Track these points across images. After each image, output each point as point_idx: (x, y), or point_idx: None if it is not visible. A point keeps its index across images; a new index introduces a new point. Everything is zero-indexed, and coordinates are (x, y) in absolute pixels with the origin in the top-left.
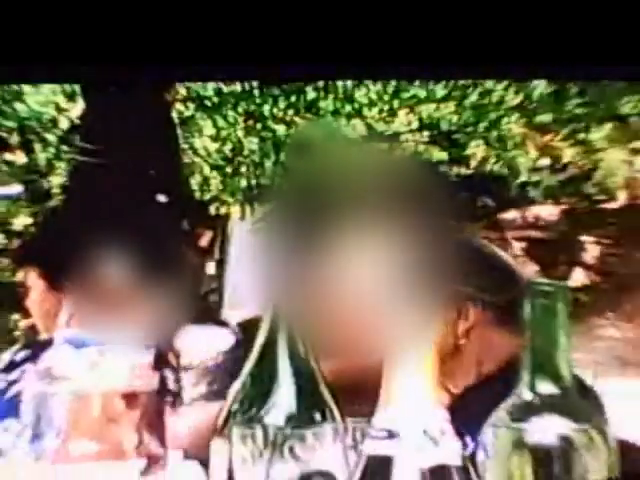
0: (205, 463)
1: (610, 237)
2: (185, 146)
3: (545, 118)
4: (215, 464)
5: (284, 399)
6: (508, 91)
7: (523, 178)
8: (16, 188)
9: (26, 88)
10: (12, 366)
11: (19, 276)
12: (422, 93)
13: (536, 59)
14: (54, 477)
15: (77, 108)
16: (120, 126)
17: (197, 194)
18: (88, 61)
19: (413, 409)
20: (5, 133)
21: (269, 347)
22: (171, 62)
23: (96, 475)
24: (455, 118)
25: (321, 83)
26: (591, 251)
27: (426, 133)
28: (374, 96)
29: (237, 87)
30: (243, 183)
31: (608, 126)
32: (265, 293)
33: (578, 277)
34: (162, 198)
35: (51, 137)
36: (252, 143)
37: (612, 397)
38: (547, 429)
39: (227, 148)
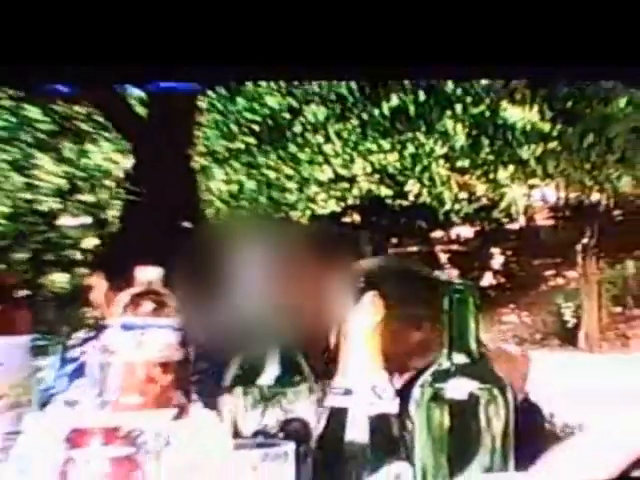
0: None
1: (512, 249)
2: (203, 187)
3: (464, 163)
4: (223, 412)
5: (272, 367)
6: (437, 143)
7: (447, 207)
8: (86, 219)
9: (90, 147)
10: (83, 342)
11: (89, 280)
12: (374, 146)
13: (526, 60)
14: (114, 421)
15: (129, 162)
16: (158, 174)
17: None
18: (90, 63)
19: (363, 373)
20: (79, 181)
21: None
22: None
23: (141, 420)
24: (398, 164)
25: (300, 140)
26: (497, 259)
27: (376, 176)
28: (339, 149)
29: (241, 145)
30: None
31: (511, 168)
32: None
33: (488, 279)
34: (187, 224)
35: (109, 182)
36: (251, 184)
37: None
38: (460, 388)
39: (234, 188)
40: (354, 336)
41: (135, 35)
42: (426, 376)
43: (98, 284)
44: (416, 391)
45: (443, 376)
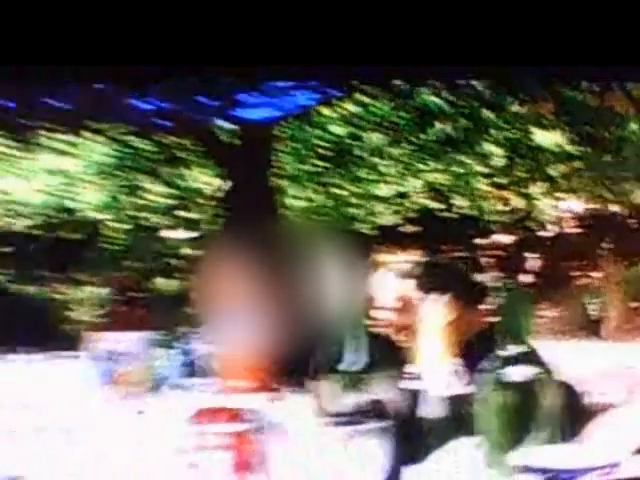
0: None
1: (543, 253)
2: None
3: (501, 180)
4: (311, 395)
5: (354, 356)
6: (478, 164)
7: (487, 218)
8: (185, 232)
9: (187, 171)
10: (192, 336)
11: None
12: (424, 167)
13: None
14: (225, 403)
15: (219, 183)
16: (244, 193)
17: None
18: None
19: (434, 360)
20: (178, 200)
21: (340, 329)
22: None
23: (247, 401)
24: (445, 182)
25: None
26: (531, 262)
27: (427, 192)
28: (395, 169)
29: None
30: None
31: (541, 184)
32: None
33: (523, 279)
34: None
35: (203, 201)
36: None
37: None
38: (518, 373)
39: (306, 204)
40: (429, 330)
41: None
42: (490, 363)
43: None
44: (482, 376)
45: (504, 362)
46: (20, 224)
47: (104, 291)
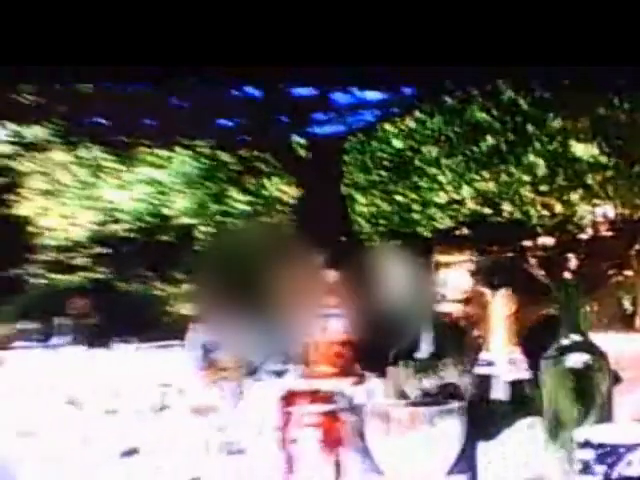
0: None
1: (583, 254)
2: (350, 210)
3: (544, 188)
4: (390, 380)
5: (426, 344)
6: (523, 173)
7: (533, 222)
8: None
9: (266, 181)
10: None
11: None
12: (476, 176)
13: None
14: (314, 386)
15: (295, 192)
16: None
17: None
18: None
19: (502, 348)
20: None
21: (414, 320)
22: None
23: (333, 385)
24: (495, 190)
25: (420, 172)
26: (572, 262)
27: (479, 199)
28: (450, 178)
29: (376, 177)
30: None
31: (580, 191)
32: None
33: (566, 276)
34: (343, 238)
35: (281, 207)
36: (386, 207)
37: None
38: (576, 359)
39: (373, 210)
40: (495, 321)
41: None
42: (551, 350)
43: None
44: (543, 362)
45: (563, 350)
46: (121, 229)
47: (199, 287)
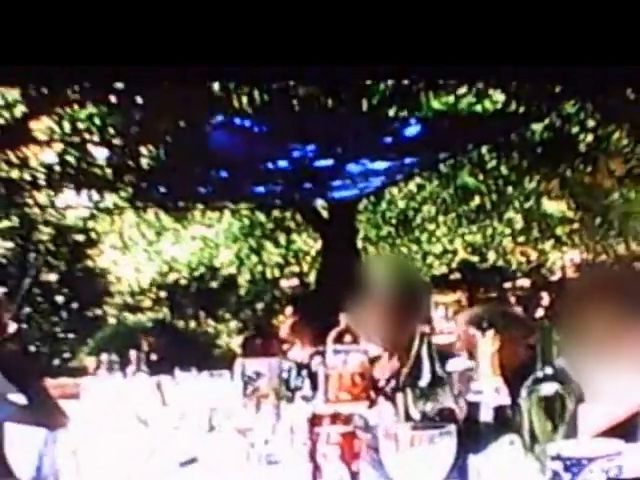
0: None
1: (554, 293)
2: (363, 259)
3: (522, 239)
4: (398, 404)
5: (425, 376)
6: (505, 227)
7: (513, 267)
8: (295, 281)
9: (295, 236)
10: (309, 361)
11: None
12: (466, 230)
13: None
14: (335, 409)
15: (318, 245)
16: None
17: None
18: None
19: (488, 380)
20: (289, 257)
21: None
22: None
23: (351, 408)
24: (481, 241)
25: (421, 228)
26: (545, 300)
27: (469, 249)
28: (445, 232)
29: (385, 232)
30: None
31: (551, 241)
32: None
33: (540, 312)
34: (357, 283)
35: (309, 259)
36: (393, 257)
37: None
38: (549, 388)
39: (382, 260)
40: (482, 357)
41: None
42: (528, 381)
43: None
44: (523, 390)
45: (539, 380)
46: (179, 277)
47: (240, 326)
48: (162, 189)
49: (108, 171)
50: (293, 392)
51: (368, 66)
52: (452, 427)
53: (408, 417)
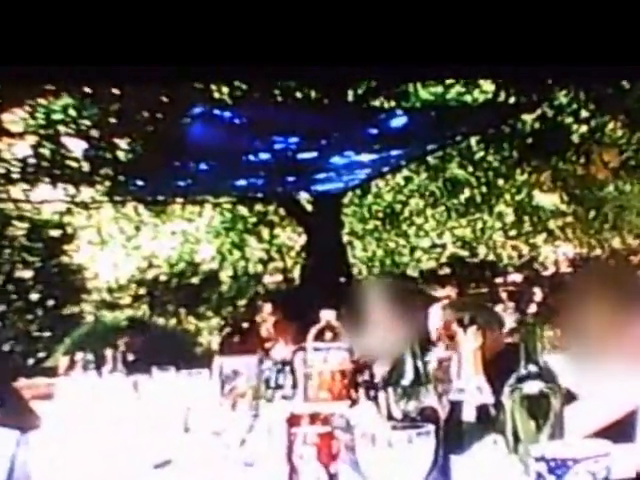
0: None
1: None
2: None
3: (513, 233)
4: (380, 403)
5: (409, 373)
6: (495, 221)
7: (504, 262)
8: (279, 277)
9: (278, 231)
10: (290, 358)
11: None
12: (455, 224)
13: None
14: (315, 409)
15: (302, 239)
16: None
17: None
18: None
19: (471, 378)
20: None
21: (401, 351)
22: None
23: (331, 408)
24: (471, 235)
25: (408, 222)
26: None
27: (458, 243)
28: (434, 226)
29: (371, 226)
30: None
31: (544, 235)
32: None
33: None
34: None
35: (293, 254)
36: (380, 252)
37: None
38: (533, 387)
39: (369, 255)
40: (464, 354)
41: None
42: (511, 379)
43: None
44: (505, 389)
45: (522, 379)
46: (158, 273)
47: (222, 323)
48: (140, 182)
49: (84, 164)
50: (274, 391)
51: (354, 66)
52: (430, 427)
53: (390, 416)
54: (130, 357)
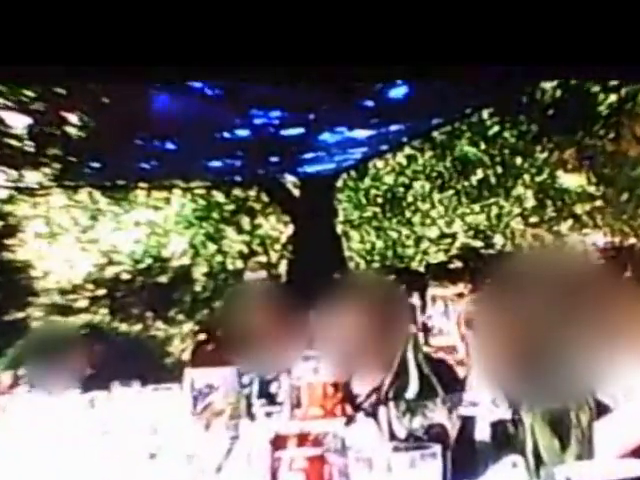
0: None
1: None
2: (345, 247)
3: (534, 219)
4: (381, 420)
5: (414, 386)
6: (513, 205)
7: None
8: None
9: (261, 220)
10: (274, 369)
11: None
12: (467, 210)
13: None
14: (304, 428)
15: (289, 230)
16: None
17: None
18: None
19: (485, 389)
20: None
21: (404, 359)
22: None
23: (323, 426)
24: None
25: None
26: None
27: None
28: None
29: (369, 213)
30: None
31: (569, 221)
32: None
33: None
34: (337, 275)
35: (278, 247)
36: (380, 243)
37: None
38: (557, 399)
39: (367, 247)
40: (477, 361)
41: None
42: (532, 389)
43: None
44: (525, 402)
45: (544, 389)
46: (120, 271)
47: (195, 328)
48: (96, 164)
49: (28, 143)
50: (256, 408)
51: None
52: (437, 448)
53: (393, 436)
54: (86, 371)
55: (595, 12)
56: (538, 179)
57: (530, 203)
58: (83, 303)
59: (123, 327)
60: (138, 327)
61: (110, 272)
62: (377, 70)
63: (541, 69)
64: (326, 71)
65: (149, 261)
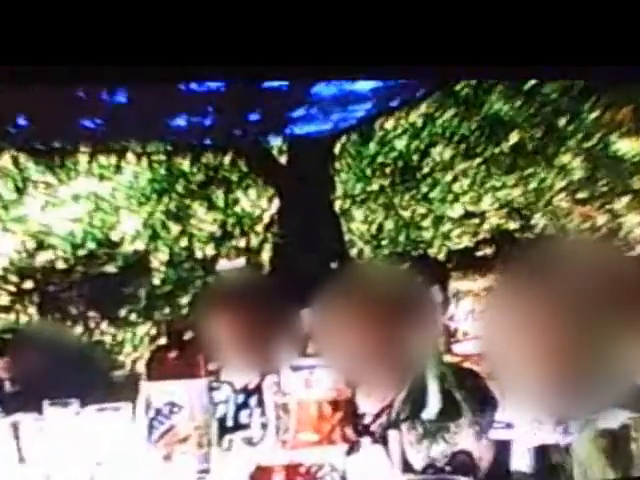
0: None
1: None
2: (345, 229)
3: (584, 195)
4: (392, 447)
5: (433, 404)
6: (556, 177)
7: (572, 238)
8: (240, 261)
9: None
10: (256, 383)
11: None
12: (499, 183)
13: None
14: (294, 458)
15: (274, 206)
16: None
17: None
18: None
19: (523, 407)
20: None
21: (420, 371)
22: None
23: (318, 456)
24: (522, 199)
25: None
26: None
27: (504, 210)
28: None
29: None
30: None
31: (626, 198)
32: None
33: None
34: (334, 265)
35: (259, 228)
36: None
37: None
38: (615, 419)
39: (374, 228)
40: (512, 372)
41: None
42: (583, 409)
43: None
44: (575, 422)
45: (597, 409)
46: (54, 257)
47: (153, 331)
48: (22, 121)
49: None
50: (232, 433)
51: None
52: None
53: (407, 467)
54: (8, 387)
55: None
56: (586, 145)
57: (577, 175)
58: (4, 300)
59: (57, 330)
60: (77, 330)
61: (40, 259)
62: None
63: None
64: None
65: (92, 246)
